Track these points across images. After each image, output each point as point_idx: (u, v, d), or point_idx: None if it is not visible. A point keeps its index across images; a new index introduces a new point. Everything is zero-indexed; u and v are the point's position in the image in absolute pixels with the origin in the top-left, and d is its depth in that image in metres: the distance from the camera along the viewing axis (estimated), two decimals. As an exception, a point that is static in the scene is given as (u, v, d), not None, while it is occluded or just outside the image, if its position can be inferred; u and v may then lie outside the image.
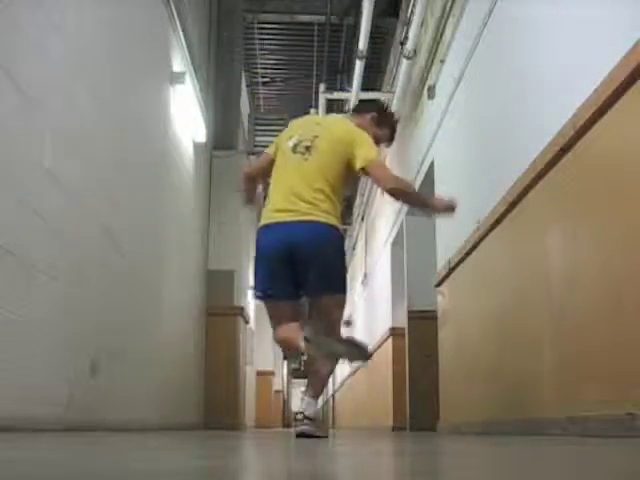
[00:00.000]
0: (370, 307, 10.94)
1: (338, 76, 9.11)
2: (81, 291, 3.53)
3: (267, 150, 3.86)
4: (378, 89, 9.00)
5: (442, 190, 5.63)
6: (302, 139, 3.63)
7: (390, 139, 4.02)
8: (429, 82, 6.00)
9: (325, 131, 3.65)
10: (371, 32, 6.62)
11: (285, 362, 24.06)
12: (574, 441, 2.42)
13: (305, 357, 3.61)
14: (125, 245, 4.32)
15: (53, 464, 1.32)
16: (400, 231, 7.64)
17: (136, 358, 4.61)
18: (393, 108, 7.40)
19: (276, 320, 3.61)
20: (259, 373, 16.61)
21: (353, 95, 7.62)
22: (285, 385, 28.50)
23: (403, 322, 7.26)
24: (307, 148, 3.59)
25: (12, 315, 2.71)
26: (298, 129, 3.73)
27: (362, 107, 4.04)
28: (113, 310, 4.08)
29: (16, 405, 2.77)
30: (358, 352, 3.34)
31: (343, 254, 3.67)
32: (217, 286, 7.71)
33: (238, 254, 8.35)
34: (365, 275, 11.46)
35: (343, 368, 17.40)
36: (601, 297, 2.61)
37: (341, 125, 3.74)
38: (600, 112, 2.58)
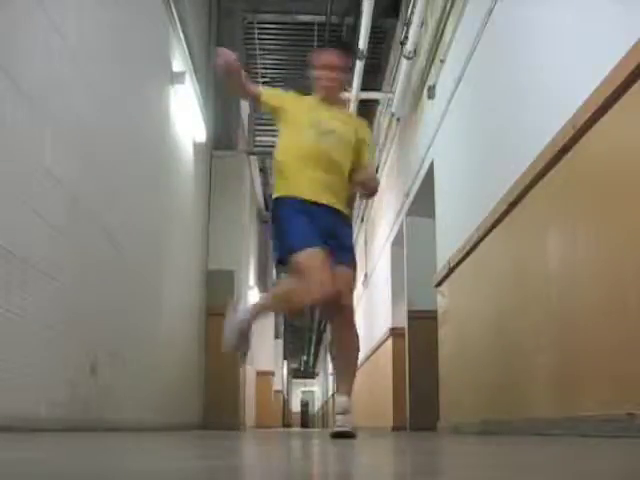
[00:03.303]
0: (370, 307, 10.94)
1: (338, 76, 9.11)
2: (81, 291, 3.52)
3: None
4: (378, 89, 8.99)
5: (442, 190, 5.63)
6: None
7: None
8: (429, 82, 6.00)
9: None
10: (371, 32, 6.61)
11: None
12: (574, 441, 2.42)
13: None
14: (125, 245, 4.31)
15: (53, 464, 1.32)
16: (400, 231, 7.64)
17: (136, 358, 4.61)
18: (393, 108, 7.42)
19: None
20: (259, 373, 16.61)
21: (353, 95, 7.62)
22: (285, 385, 28.51)
23: (403, 322, 7.26)
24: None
25: (12, 315, 2.71)
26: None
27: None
28: (113, 310, 4.08)
29: (16, 405, 2.77)
30: None
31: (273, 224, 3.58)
32: (217, 286, 7.71)
33: (238, 254, 8.35)
34: (365, 275, 11.45)
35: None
36: (601, 297, 2.61)
37: None
38: (600, 112, 2.58)
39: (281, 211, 3.51)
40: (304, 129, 3.54)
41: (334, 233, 3.49)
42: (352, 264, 3.58)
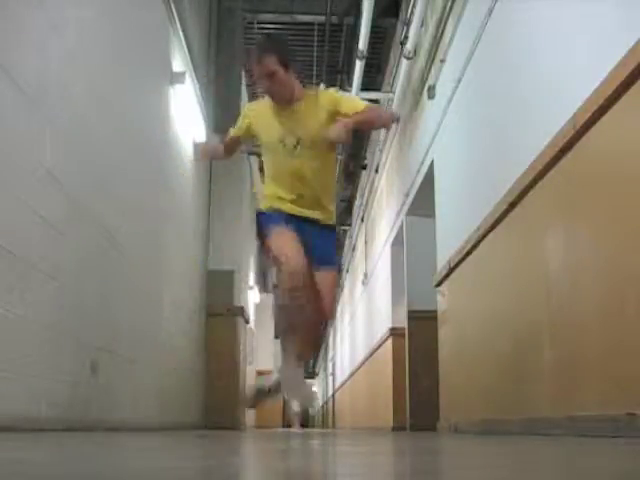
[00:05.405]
0: (370, 307, 10.94)
1: (338, 76, 9.10)
2: (81, 291, 3.52)
3: None
4: (378, 89, 8.99)
5: (442, 190, 5.63)
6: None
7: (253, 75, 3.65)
8: (429, 82, 6.00)
9: None
10: (371, 32, 6.61)
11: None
12: (574, 441, 2.42)
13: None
14: (125, 245, 4.31)
15: (53, 464, 1.32)
16: (400, 231, 7.64)
17: (136, 358, 4.61)
18: (393, 108, 7.42)
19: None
20: (259, 373, 16.60)
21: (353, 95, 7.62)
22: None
23: (403, 322, 7.26)
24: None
25: (12, 315, 2.71)
26: None
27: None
28: (113, 310, 4.08)
29: (16, 405, 2.77)
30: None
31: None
32: (217, 286, 7.71)
33: (238, 254, 8.35)
34: (365, 275, 11.45)
35: (344, 368, 17.42)
36: (601, 297, 2.61)
37: None
38: (600, 112, 2.58)
39: (262, 220, 3.64)
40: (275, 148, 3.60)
41: (312, 244, 3.57)
42: (334, 268, 3.75)
